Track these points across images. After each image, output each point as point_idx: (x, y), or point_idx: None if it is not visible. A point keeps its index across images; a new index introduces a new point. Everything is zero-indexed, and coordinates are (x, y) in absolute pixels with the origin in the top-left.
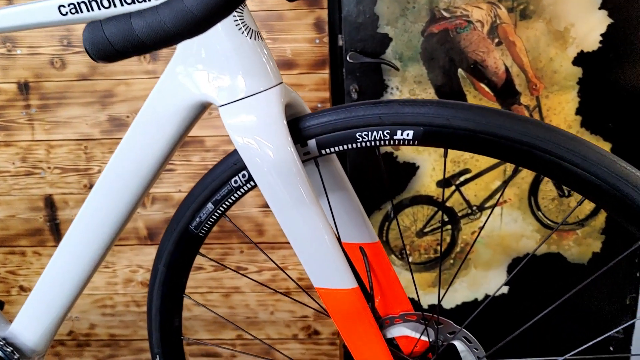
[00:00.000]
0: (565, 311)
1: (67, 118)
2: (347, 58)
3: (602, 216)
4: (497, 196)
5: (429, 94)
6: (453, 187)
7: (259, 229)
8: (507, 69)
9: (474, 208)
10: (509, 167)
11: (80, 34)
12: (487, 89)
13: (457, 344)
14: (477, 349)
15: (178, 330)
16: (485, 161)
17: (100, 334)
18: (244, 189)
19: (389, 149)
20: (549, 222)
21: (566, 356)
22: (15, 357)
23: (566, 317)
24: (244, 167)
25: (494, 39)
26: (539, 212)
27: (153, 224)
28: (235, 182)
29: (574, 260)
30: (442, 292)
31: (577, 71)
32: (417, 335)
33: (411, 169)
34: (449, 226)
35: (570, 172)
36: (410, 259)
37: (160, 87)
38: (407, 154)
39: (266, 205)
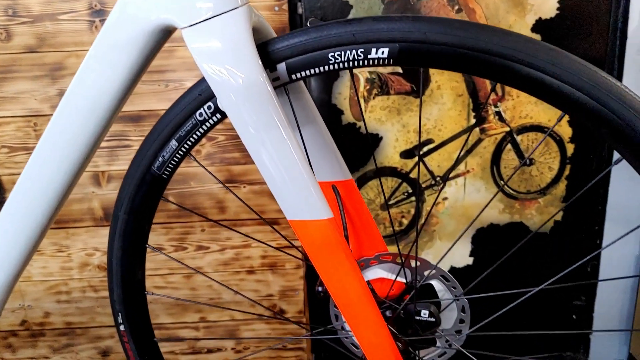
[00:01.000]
0: (528, 280)
1: (14, 93)
2: (308, 25)
3: (562, 184)
4: (460, 166)
5: None
6: (416, 158)
7: (220, 206)
8: None
9: (438, 179)
10: (472, 136)
11: (27, 3)
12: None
13: (435, 283)
14: (454, 287)
15: (141, 285)
16: (448, 130)
17: (56, 322)
18: (209, 123)
19: (350, 119)
20: (511, 191)
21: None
22: None
23: (529, 286)
24: (210, 98)
25: (454, 6)
26: (502, 182)
27: (110, 204)
28: (201, 115)
29: (536, 229)
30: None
31: (536, 38)
32: (393, 277)
33: (374, 140)
34: (412, 198)
35: (551, 86)
36: None
37: (115, 16)
38: (370, 124)
39: (227, 181)
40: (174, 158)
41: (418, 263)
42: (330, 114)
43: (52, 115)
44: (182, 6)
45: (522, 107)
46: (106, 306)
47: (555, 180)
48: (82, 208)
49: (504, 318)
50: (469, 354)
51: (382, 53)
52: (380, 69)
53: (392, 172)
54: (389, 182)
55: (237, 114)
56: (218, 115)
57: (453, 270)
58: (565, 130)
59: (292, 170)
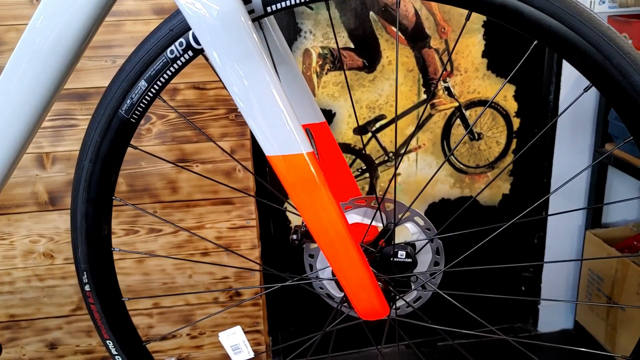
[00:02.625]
0: (479, 253)
1: None
2: None
3: (509, 158)
4: (412, 142)
5: (343, 37)
6: (369, 134)
7: (173, 187)
8: (416, 12)
9: (390, 155)
10: (422, 112)
11: None
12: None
13: (409, 225)
14: (429, 229)
15: (107, 241)
16: (399, 106)
17: None
18: (181, 61)
19: None
20: (461, 165)
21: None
22: None
23: (479, 258)
24: (182, 34)
25: None
26: (452, 157)
27: (55, 187)
28: (172, 52)
29: (485, 202)
30: None
31: None
32: (368, 222)
33: (327, 116)
34: (366, 174)
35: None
36: None
37: None
38: (322, 100)
39: (180, 161)
40: (143, 100)
41: (391, 204)
42: None
43: None
44: None
45: (469, 82)
46: (53, 296)
47: (502, 154)
48: (25, 192)
49: (456, 291)
50: (446, 295)
51: None
52: (332, 44)
53: (346, 148)
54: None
55: (213, 46)
56: (190, 53)
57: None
58: (511, 105)
59: (271, 103)
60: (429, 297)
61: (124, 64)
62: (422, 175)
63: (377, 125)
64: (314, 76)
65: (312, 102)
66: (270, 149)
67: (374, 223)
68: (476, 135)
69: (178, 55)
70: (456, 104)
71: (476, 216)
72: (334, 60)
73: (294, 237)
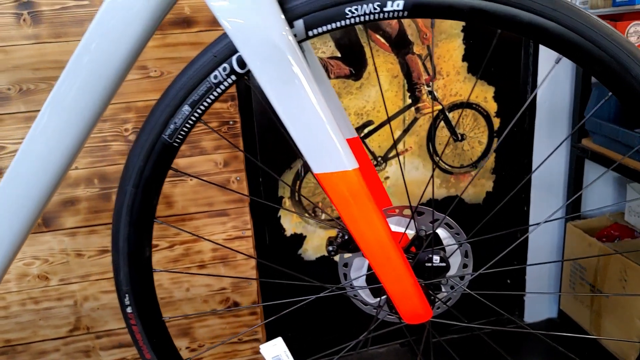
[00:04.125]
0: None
1: None
2: None
3: (491, 157)
4: (399, 145)
5: (330, 46)
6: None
7: (168, 201)
8: (399, 20)
9: (379, 159)
10: (408, 116)
11: None
12: (382, 39)
13: (440, 231)
14: (458, 234)
15: (149, 262)
16: (385, 112)
17: None
18: (224, 85)
19: None
20: (446, 166)
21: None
22: None
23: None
24: (226, 59)
25: None
26: (437, 158)
27: (49, 207)
28: (215, 77)
29: (470, 200)
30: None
31: None
32: (401, 230)
33: None
34: None
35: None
36: (323, 216)
37: None
38: None
39: (174, 175)
40: (186, 124)
41: (422, 212)
42: None
43: None
44: None
45: (451, 85)
46: (49, 318)
47: (485, 154)
48: None
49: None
50: (478, 296)
51: (398, 6)
52: (320, 53)
53: None
54: None
55: (262, 68)
56: (233, 77)
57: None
58: (491, 106)
59: (319, 124)
60: (459, 297)
61: (166, 90)
62: (409, 177)
63: (366, 131)
64: None
65: (346, 118)
66: (318, 167)
67: (402, 230)
68: (459, 136)
69: (221, 79)
70: (440, 107)
71: (463, 214)
72: None
73: (330, 248)
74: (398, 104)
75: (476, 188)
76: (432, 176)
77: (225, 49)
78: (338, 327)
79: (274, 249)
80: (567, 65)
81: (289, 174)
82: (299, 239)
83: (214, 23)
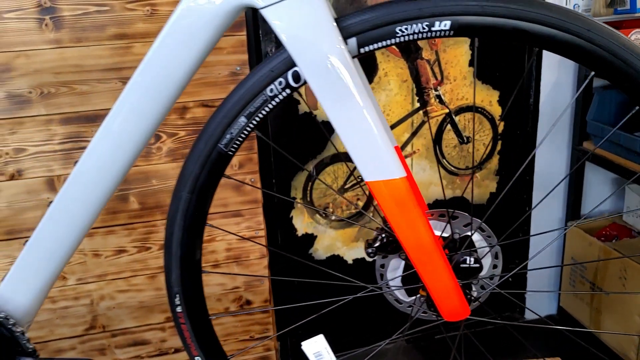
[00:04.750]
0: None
1: None
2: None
3: (495, 159)
4: (407, 148)
5: None
6: None
7: None
8: None
9: None
10: (416, 119)
11: None
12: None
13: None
14: (490, 237)
15: (199, 265)
16: (394, 115)
17: None
18: (279, 98)
19: (306, 108)
20: (452, 168)
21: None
22: (10, 322)
23: None
24: (282, 74)
25: None
26: (444, 160)
27: None
28: (272, 90)
29: (475, 201)
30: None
31: None
32: (438, 233)
33: (329, 126)
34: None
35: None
36: (333, 217)
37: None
38: (324, 114)
39: None
40: (241, 135)
41: (457, 216)
42: (285, 104)
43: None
44: None
45: (458, 89)
46: (66, 317)
47: (489, 156)
48: (37, 216)
49: None
50: (508, 296)
51: (445, 25)
52: None
53: (347, 157)
54: (345, 167)
55: (319, 82)
56: (287, 91)
57: None
58: (496, 110)
59: (372, 135)
60: (488, 295)
61: (223, 102)
62: (417, 179)
63: None
64: None
65: (388, 128)
66: (370, 176)
67: (437, 233)
68: (465, 139)
69: (277, 93)
70: (447, 111)
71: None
72: None
73: (369, 250)
74: (407, 108)
75: (480, 189)
76: (440, 178)
77: (281, 65)
78: (353, 328)
79: (286, 248)
80: (569, 72)
81: (301, 176)
82: (310, 238)
83: (230, 28)
